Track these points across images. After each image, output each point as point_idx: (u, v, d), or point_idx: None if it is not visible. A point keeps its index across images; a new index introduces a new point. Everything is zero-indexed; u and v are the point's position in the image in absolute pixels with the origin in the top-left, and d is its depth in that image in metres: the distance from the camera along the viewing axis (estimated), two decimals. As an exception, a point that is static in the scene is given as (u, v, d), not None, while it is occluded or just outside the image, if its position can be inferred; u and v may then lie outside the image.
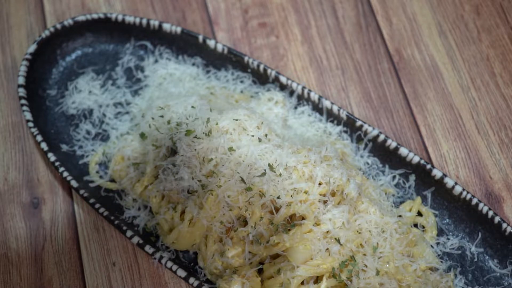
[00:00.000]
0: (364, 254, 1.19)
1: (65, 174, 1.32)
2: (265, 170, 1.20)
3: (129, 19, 1.50)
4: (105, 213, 1.29)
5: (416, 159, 1.35)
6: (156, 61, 1.50)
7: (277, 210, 1.19)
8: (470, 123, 1.48)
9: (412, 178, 1.36)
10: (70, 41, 1.51)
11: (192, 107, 1.30)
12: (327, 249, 1.18)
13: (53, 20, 1.59)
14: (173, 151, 1.29)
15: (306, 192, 1.19)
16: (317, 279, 1.21)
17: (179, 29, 1.48)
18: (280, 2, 1.63)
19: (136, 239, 1.26)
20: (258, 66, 1.45)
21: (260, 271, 1.23)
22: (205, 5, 1.62)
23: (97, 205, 1.29)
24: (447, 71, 1.54)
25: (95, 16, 1.49)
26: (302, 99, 1.43)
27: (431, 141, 1.47)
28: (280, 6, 1.62)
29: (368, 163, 1.40)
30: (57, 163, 1.34)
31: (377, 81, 1.53)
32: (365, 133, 1.39)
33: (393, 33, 1.59)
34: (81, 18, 1.49)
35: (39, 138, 1.36)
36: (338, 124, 1.41)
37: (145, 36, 1.52)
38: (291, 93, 1.44)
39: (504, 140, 1.46)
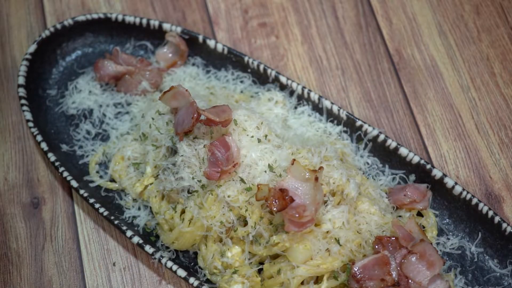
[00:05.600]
0: (365, 255, 1.19)
1: (65, 174, 1.32)
2: (265, 171, 1.20)
3: (129, 19, 1.49)
4: (105, 213, 1.29)
5: (416, 159, 1.35)
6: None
7: (277, 210, 1.19)
8: (470, 123, 1.48)
9: (412, 178, 1.36)
10: (70, 41, 1.51)
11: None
12: (327, 249, 1.18)
13: (53, 20, 1.59)
14: (173, 151, 1.28)
15: (306, 192, 1.19)
16: (317, 279, 1.21)
17: (179, 29, 1.48)
18: (280, 2, 1.63)
19: (136, 239, 1.26)
20: (258, 66, 1.45)
21: (260, 271, 1.23)
22: (205, 5, 1.62)
23: (97, 205, 1.29)
24: (447, 71, 1.54)
25: (95, 16, 1.49)
26: (302, 99, 1.43)
27: (431, 141, 1.47)
28: (280, 6, 1.62)
29: (368, 163, 1.40)
30: (57, 163, 1.33)
31: (377, 81, 1.53)
32: (365, 133, 1.39)
33: (393, 33, 1.59)
34: (81, 18, 1.49)
35: (39, 138, 1.36)
36: (338, 124, 1.41)
37: (145, 36, 1.52)
38: (291, 93, 1.44)
39: (504, 140, 1.46)
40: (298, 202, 1.14)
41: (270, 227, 1.19)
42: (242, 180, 1.20)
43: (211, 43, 1.48)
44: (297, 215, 1.13)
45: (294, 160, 1.16)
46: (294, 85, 1.43)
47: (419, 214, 1.34)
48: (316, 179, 1.14)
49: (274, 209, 1.12)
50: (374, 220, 1.23)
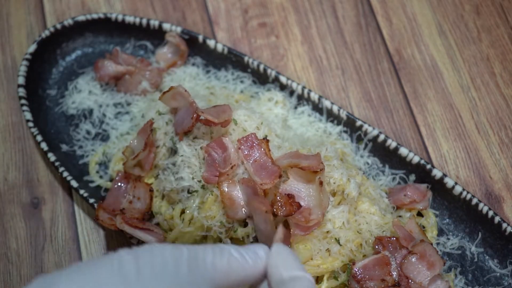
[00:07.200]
0: (365, 255, 1.19)
1: (65, 174, 1.32)
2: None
3: (129, 19, 1.49)
4: (105, 213, 1.29)
5: (416, 159, 1.35)
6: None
7: (277, 210, 1.19)
8: (470, 123, 1.48)
9: (412, 178, 1.36)
10: (70, 41, 1.51)
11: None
12: (327, 249, 1.18)
13: (53, 20, 1.59)
14: (173, 151, 1.29)
15: (306, 192, 1.19)
16: (317, 280, 1.21)
17: (179, 29, 1.48)
18: (280, 2, 1.63)
19: (136, 239, 1.26)
20: (258, 66, 1.45)
21: (260, 271, 1.23)
22: (205, 5, 1.62)
23: (97, 205, 1.29)
24: (447, 71, 1.54)
25: (95, 16, 1.49)
26: (302, 99, 1.43)
27: (431, 141, 1.47)
28: (280, 6, 1.62)
29: (368, 163, 1.40)
30: (57, 163, 1.34)
31: (377, 81, 1.53)
32: (365, 133, 1.39)
33: (393, 33, 1.59)
34: (81, 18, 1.49)
35: (39, 138, 1.36)
36: (338, 124, 1.42)
37: (145, 36, 1.52)
38: (291, 93, 1.44)
39: (504, 140, 1.46)
40: (303, 206, 1.13)
41: (270, 227, 1.19)
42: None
43: (211, 43, 1.48)
44: (303, 219, 1.13)
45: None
46: (294, 85, 1.43)
47: (419, 214, 1.34)
48: (321, 183, 1.14)
49: (281, 214, 1.12)
50: (374, 220, 1.23)
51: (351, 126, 1.40)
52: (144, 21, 1.50)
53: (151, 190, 1.27)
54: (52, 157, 1.34)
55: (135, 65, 1.45)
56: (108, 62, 1.45)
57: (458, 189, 1.32)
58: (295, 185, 1.15)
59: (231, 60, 1.48)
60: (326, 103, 1.41)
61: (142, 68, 1.45)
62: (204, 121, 1.20)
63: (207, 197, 1.20)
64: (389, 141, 1.37)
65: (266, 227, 1.15)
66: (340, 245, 1.18)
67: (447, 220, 1.35)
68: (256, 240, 1.19)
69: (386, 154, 1.39)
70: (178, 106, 1.27)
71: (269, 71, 1.45)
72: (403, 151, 1.36)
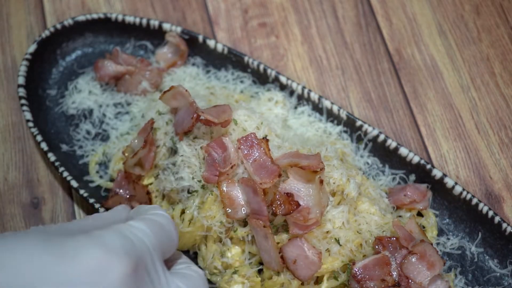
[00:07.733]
0: (365, 255, 1.19)
1: (65, 174, 1.32)
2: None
3: (129, 19, 1.50)
4: (105, 213, 1.29)
5: (416, 159, 1.35)
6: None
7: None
8: (470, 123, 1.48)
9: (412, 178, 1.36)
10: (70, 41, 1.51)
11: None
12: (327, 249, 1.18)
13: (53, 20, 1.59)
14: (173, 151, 1.29)
15: (306, 192, 1.19)
16: (317, 280, 1.21)
17: (179, 29, 1.48)
18: (280, 2, 1.63)
19: (136, 239, 1.26)
20: (258, 66, 1.45)
21: (260, 271, 1.23)
22: (205, 5, 1.62)
23: (97, 205, 1.29)
24: (447, 71, 1.54)
25: (95, 16, 1.49)
26: (302, 99, 1.43)
27: (431, 141, 1.47)
28: (280, 6, 1.62)
29: (368, 163, 1.40)
30: (57, 163, 1.34)
31: (377, 81, 1.53)
32: (365, 133, 1.39)
33: (393, 33, 1.59)
34: (81, 18, 1.49)
35: (39, 138, 1.36)
36: (338, 124, 1.42)
37: (145, 36, 1.52)
38: (291, 93, 1.44)
39: (504, 140, 1.46)
40: (302, 205, 1.14)
41: (270, 227, 1.19)
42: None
43: (211, 43, 1.48)
44: (301, 218, 1.13)
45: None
46: (294, 85, 1.43)
47: (419, 214, 1.34)
48: (321, 182, 1.14)
49: (280, 213, 1.12)
50: (374, 220, 1.23)
51: (351, 126, 1.40)
52: (144, 21, 1.50)
53: (148, 193, 1.27)
54: (52, 157, 1.34)
55: (135, 65, 1.45)
56: (108, 62, 1.45)
57: (458, 189, 1.32)
58: (294, 185, 1.15)
59: (231, 60, 1.48)
60: (326, 103, 1.41)
61: (142, 68, 1.45)
62: (204, 121, 1.20)
63: (207, 197, 1.20)
64: (389, 141, 1.37)
65: (268, 244, 1.15)
66: (340, 245, 1.18)
67: (447, 220, 1.35)
68: (254, 239, 1.20)
69: (386, 154, 1.39)
70: (178, 106, 1.27)
71: (269, 71, 1.45)
72: (403, 151, 1.36)
